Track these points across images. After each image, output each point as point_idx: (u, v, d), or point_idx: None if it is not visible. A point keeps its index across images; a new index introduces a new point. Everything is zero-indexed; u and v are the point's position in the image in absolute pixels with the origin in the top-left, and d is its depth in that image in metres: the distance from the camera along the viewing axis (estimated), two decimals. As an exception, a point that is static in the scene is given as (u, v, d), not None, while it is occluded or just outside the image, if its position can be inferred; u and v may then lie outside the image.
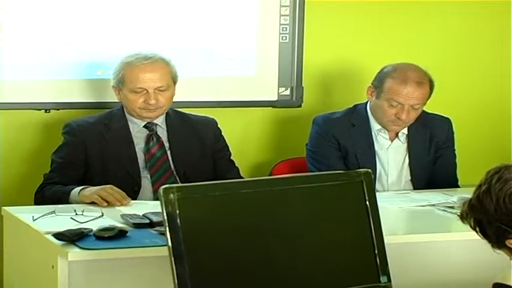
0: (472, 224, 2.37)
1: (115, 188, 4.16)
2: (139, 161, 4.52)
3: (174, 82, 4.55)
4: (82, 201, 4.20)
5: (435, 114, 4.93)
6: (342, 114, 4.90)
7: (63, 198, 4.29)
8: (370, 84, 4.80)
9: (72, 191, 4.29)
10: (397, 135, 4.85)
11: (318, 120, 4.87)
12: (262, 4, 5.29)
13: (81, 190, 4.25)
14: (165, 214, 2.61)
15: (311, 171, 4.67)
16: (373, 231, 2.89)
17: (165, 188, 2.63)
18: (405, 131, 4.85)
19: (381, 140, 4.85)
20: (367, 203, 2.90)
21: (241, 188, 2.91)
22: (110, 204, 4.09)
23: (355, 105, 4.93)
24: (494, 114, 5.82)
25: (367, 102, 4.86)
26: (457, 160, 4.95)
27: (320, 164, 4.76)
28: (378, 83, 4.74)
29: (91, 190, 4.21)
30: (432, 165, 4.91)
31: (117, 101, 4.60)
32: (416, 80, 4.67)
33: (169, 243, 2.61)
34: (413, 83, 4.66)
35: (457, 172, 4.91)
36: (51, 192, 4.40)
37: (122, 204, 4.10)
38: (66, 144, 4.53)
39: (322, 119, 4.88)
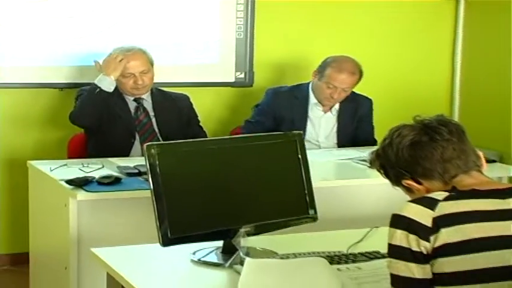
0: (378, 168, 2.36)
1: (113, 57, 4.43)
2: (132, 123, 4.51)
3: (152, 65, 4.55)
4: (108, 74, 4.39)
5: (361, 95, 4.93)
6: (288, 88, 4.92)
7: (92, 93, 4.38)
8: (315, 69, 4.81)
9: (95, 81, 4.40)
10: (330, 109, 4.85)
11: (268, 91, 4.91)
12: (223, 8, 5.28)
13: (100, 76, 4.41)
14: (148, 165, 2.60)
15: (249, 122, 4.85)
16: (303, 176, 2.91)
17: (148, 145, 2.62)
18: (337, 106, 4.85)
19: (316, 112, 4.84)
20: (299, 156, 2.92)
21: (206, 145, 2.96)
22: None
23: (300, 84, 4.93)
24: (419, 97, 5.77)
25: (309, 82, 4.86)
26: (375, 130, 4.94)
27: (256, 118, 4.85)
28: (321, 68, 4.77)
29: (102, 68, 4.45)
30: (354, 133, 4.90)
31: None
32: (349, 70, 4.72)
33: (151, 187, 2.60)
34: (347, 72, 4.71)
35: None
36: (79, 103, 4.46)
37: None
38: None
39: (272, 90, 4.91)
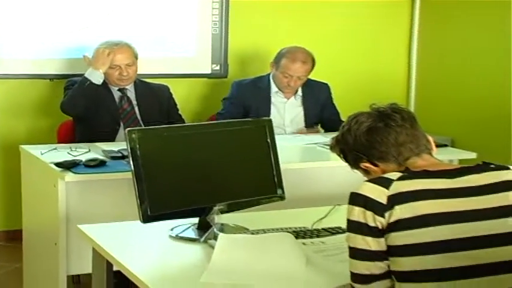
0: (338, 152, 2.37)
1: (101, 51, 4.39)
2: (116, 111, 4.49)
3: (136, 58, 4.53)
4: (97, 67, 4.37)
5: (318, 81, 4.93)
6: (251, 80, 4.92)
7: (82, 85, 4.36)
8: (271, 61, 4.81)
9: (85, 74, 4.39)
10: (294, 95, 4.85)
11: (234, 83, 4.91)
12: (199, 5, 5.28)
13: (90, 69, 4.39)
14: (129, 148, 2.60)
15: (220, 114, 4.82)
16: (272, 159, 2.91)
17: (129, 130, 2.61)
18: (300, 92, 4.85)
19: (278, 99, 4.85)
20: (268, 140, 2.91)
21: (183, 130, 2.95)
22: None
23: (261, 75, 4.94)
24: (375, 83, 5.80)
25: (269, 73, 4.86)
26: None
27: (226, 110, 4.83)
28: (277, 60, 4.77)
29: (92, 62, 4.43)
30: (321, 117, 4.90)
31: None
32: (302, 60, 4.72)
33: (132, 169, 2.59)
34: (299, 62, 4.71)
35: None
36: (65, 99, 4.43)
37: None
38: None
39: (237, 82, 4.91)
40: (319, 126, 4.95)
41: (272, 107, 4.82)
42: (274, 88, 4.83)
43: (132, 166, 2.59)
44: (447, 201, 2.06)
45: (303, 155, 4.30)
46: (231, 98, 4.86)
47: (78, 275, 4.05)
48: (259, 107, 4.72)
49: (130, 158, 2.59)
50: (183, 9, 5.24)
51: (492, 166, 2.18)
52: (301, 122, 4.91)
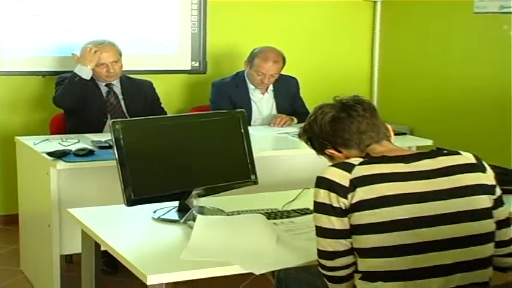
0: (305, 140, 2.38)
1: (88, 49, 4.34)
2: (103, 105, 4.45)
3: (120, 56, 4.49)
4: (85, 64, 4.32)
5: (287, 75, 4.88)
6: (229, 79, 4.82)
7: (72, 80, 4.31)
8: (245, 60, 4.76)
9: (75, 70, 4.33)
10: (266, 90, 4.80)
11: (215, 84, 4.81)
12: (180, 7, 5.24)
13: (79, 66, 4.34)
14: (113, 138, 2.58)
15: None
16: (246, 147, 2.90)
17: (113, 122, 2.60)
18: (271, 87, 4.82)
19: (256, 95, 4.79)
20: (242, 130, 2.90)
21: (163, 121, 2.95)
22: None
23: (237, 73, 4.86)
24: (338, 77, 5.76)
25: (243, 71, 4.81)
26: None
27: (218, 108, 4.64)
28: (250, 59, 4.71)
29: (80, 60, 4.37)
30: (291, 109, 4.85)
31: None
32: (273, 59, 4.66)
33: (117, 157, 2.58)
34: (271, 61, 4.66)
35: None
36: (57, 94, 4.37)
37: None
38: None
39: (218, 83, 4.81)
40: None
41: (252, 103, 4.78)
42: (250, 85, 4.77)
43: (117, 154, 2.57)
44: (404, 184, 2.06)
45: (275, 144, 4.29)
46: (216, 97, 4.75)
47: (71, 255, 4.03)
48: (242, 103, 4.58)
49: (115, 147, 2.57)
50: (165, 11, 5.20)
51: (445, 152, 2.19)
52: (274, 113, 4.88)
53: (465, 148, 2.30)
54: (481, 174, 2.15)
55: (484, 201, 2.11)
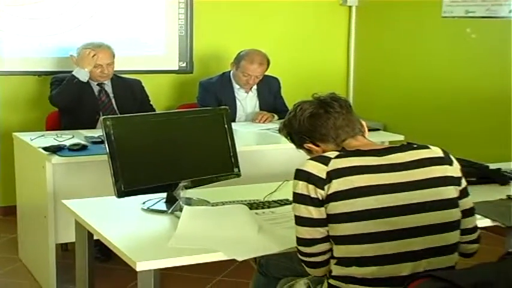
0: (285, 135, 2.37)
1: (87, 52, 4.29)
2: (96, 103, 4.41)
3: (114, 57, 4.47)
4: (83, 67, 4.30)
5: (270, 75, 4.86)
6: (216, 79, 4.79)
7: (71, 82, 4.29)
8: (232, 61, 4.74)
9: (73, 72, 4.31)
10: (250, 89, 4.79)
11: (202, 83, 4.78)
12: (167, 11, 5.22)
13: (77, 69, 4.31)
14: (104, 133, 2.57)
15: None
16: (229, 142, 2.88)
17: (104, 118, 2.59)
18: (255, 87, 4.80)
19: (241, 94, 4.78)
20: (226, 126, 2.89)
21: (151, 118, 2.94)
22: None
23: (223, 73, 4.83)
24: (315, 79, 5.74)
25: (229, 71, 4.79)
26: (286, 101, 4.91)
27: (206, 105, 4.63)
28: (237, 61, 4.69)
29: (79, 62, 4.33)
30: (272, 106, 4.83)
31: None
32: (258, 62, 4.65)
33: (108, 151, 2.57)
34: (257, 63, 4.64)
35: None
36: (54, 93, 4.34)
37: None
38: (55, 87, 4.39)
39: (205, 83, 4.78)
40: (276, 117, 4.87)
41: (237, 101, 4.76)
42: (236, 85, 4.75)
43: (108, 149, 2.56)
44: (376, 176, 2.07)
45: (258, 139, 4.28)
46: (203, 96, 4.71)
47: (66, 243, 4.02)
48: (227, 102, 4.54)
49: (106, 142, 2.56)
50: (154, 15, 5.18)
51: (415, 146, 2.19)
52: (257, 111, 4.86)
53: (434, 142, 2.30)
54: (448, 166, 2.16)
55: (450, 192, 2.12)
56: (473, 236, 2.23)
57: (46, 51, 4.90)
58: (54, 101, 4.34)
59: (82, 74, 4.28)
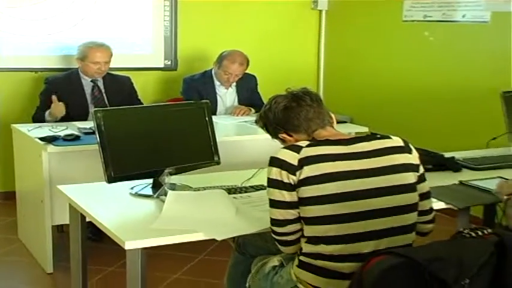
0: (261, 126, 2.36)
1: (57, 105, 4.09)
2: (88, 98, 4.36)
3: (111, 57, 4.43)
4: (55, 115, 4.12)
5: (247, 73, 4.81)
6: (198, 76, 4.76)
7: (43, 118, 4.19)
8: (215, 61, 4.68)
9: (45, 115, 4.18)
10: (230, 86, 4.76)
11: (186, 80, 4.75)
12: (154, 13, 5.19)
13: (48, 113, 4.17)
14: (95, 124, 2.55)
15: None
16: (210, 133, 2.87)
17: (95, 111, 2.56)
18: (234, 83, 4.77)
19: (221, 90, 4.74)
20: (206, 118, 2.87)
21: (140, 110, 2.94)
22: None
23: (206, 71, 4.80)
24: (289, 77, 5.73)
25: (211, 69, 4.75)
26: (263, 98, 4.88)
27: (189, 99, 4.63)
28: (219, 60, 4.66)
29: (50, 111, 4.13)
30: (250, 100, 4.80)
31: (75, 66, 4.44)
32: (239, 62, 4.63)
33: (98, 141, 2.55)
34: (237, 63, 4.62)
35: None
36: (36, 117, 4.25)
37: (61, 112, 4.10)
38: (46, 89, 4.35)
39: (188, 79, 4.75)
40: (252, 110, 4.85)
41: (217, 96, 4.74)
42: (217, 82, 4.72)
43: (98, 139, 2.54)
44: (343, 163, 2.07)
45: (236, 130, 4.27)
46: (188, 91, 4.67)
47: (61, 225, 4.00)
48: (209, 97, 4.48)
49: (97, 133, 2.54)
50: (142, 17, 5.15)
51: (378, 136, 2.20)
52: (236, 105, 4.85)
53: (395, 133, 2.30)
54: (408, 155, 2.16)
55: (409, 178, 2.13)
56: (429, 217, 2.24)
57: (42, 50, 4.86)
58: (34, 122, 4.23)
59: (53, 119, 4.14)
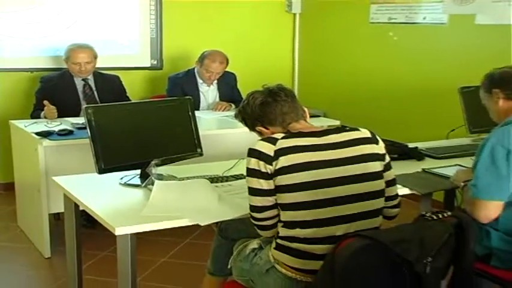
0: (240, 119, 2.35)
1: (50, 109, 3.96)
2: (80, 95, 4.31)
3: (95, 58, 4.36)
4: (49, 118, 3.99)
5: (227, 71, 4.78)
6: (182, 74, 4.72)
7: (39, 117, 4.10)
8: (197, 60, 4.68)
9: (40, 114, 4.10)
10: (212, 83, 4.72)
11: (170, 78, 4.71)
12: (140, 17, 5.15)
13: (42, 114, 4.08)
14: (86, 120, 2.53)
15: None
16: (193, 126, 2.86)
17: (86, 107, 2.55)
18: (216, 81, 4.73)
19: (203, 87, 4.70)
20: (190, 113, 2.86)
21: (128, 106, 2.93)
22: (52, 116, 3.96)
23: (189, 69, 4.75)
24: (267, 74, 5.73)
25: (194, 68, 4.72)
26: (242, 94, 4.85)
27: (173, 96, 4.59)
28: (201, 59, 4.62)
29: (43, 114, 4.04)
30: (230, 96, 4.77)
31: (66, 67, 4.40)
32: (220, 61, 4.60)
33: (89, 135, 2.54)
34: (218, 62, 4.59)
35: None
36: (34, 115, 4.19)
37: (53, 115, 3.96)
38: (41, 88, 4.31)
39: (173, 77, 4.71)
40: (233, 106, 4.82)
41: (200, 93, 4.70)
42: (199, 80, 4.69)
43: (89, 133, 2.52)
44: (315, 153, 2.06)
45: (217, 124, 4.25)
46: (172, 89, 4.62)
47: (58, 213, 3.96)
48: (192, 94, 4.41)
49: (88, 127, 2.52)
50: (129, 20, 5.11)
51: (347, 128, 2.19)
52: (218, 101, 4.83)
53: (363, 126, 2.30)
54: (374, 145, 2.16)
55: (376, 166, 2.13)
56: (395, 202, 2.24)
57: (37, 51, 4.80)
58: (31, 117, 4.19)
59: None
